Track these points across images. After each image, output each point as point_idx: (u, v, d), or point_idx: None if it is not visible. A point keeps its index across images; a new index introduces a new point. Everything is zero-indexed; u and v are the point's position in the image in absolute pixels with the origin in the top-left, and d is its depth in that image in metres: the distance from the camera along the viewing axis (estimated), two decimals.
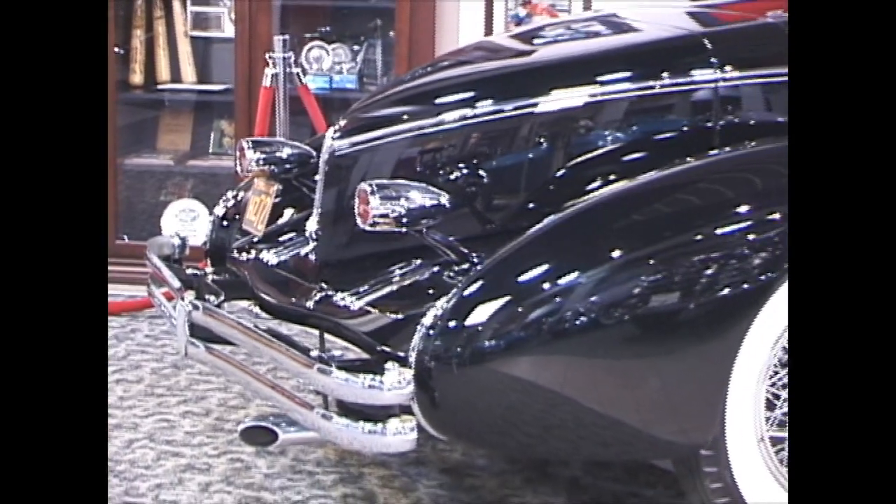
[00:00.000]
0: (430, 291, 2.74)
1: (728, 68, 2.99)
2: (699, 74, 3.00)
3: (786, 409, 2.72)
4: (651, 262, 2.58)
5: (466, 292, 2.56)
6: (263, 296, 3.11)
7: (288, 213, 3.35)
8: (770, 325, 2.66)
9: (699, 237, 2.62)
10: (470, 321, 2.52)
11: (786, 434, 2.73)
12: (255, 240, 3.30)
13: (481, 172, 2.96)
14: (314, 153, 3.23)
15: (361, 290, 2.87)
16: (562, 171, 2.96)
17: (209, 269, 3.41)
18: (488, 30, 4.99)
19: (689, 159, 2.82)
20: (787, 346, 2.70)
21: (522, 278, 2.57)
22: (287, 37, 4.65)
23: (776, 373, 2.71)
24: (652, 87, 2.99)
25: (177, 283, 3.15)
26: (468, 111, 2.98)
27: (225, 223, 3.51)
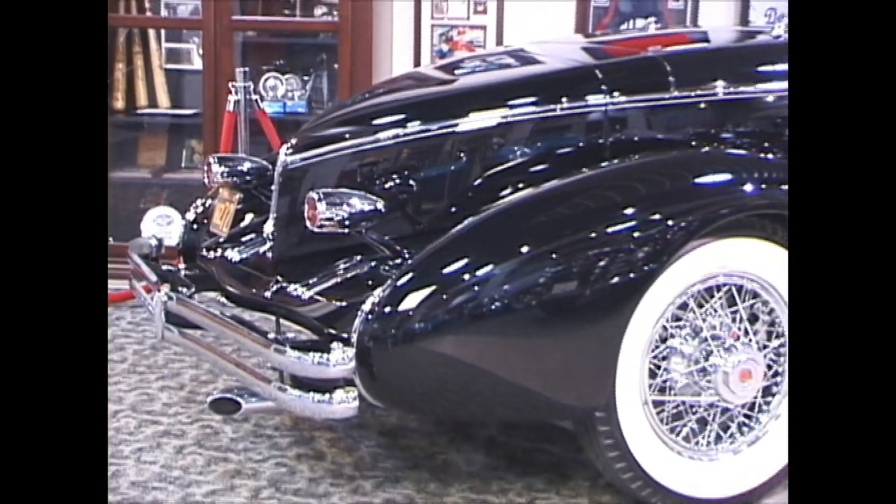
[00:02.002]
0: (369, 282, 2.74)
1: (616, 94, 3.01)
2: (592, 99, 3.01)
3: (665, 377, 2.76)
4: (554, 256, 2.59)
5: (399, 283, 2.56)
6: (228, 288, 3.09)
7: (248, 217, 3.32)
8: (652, 307, 2.69)
9: (593, 235, 2.63)
10: (402, 307, 2.52)
11: (664, 398, 2.76)
12: (221, 240, 3.27)
13: (411, 182, 2.96)
14: (270, 167, 3.21)
15: (311, 282, 2.86)
16: (479, 181, 2.96)
17: (182, 266, 3.38)
18: (416, 62, 4.99)
19: (584, 170, 2.83)
20: (665, 324, 2.74)
21: (446, 270, 2.57)
22: (247, 69, 4.61)
23: (657, 346, 2.74)
24: (553, 110, 3.00)
25: (154, 278, 3.13)
26: (400, 130, 2.97)
27: (195, 226, 3.47)
